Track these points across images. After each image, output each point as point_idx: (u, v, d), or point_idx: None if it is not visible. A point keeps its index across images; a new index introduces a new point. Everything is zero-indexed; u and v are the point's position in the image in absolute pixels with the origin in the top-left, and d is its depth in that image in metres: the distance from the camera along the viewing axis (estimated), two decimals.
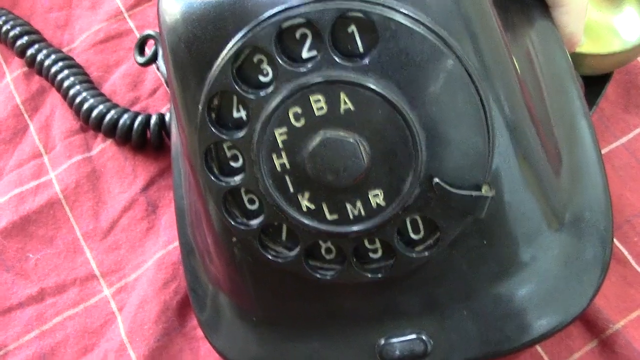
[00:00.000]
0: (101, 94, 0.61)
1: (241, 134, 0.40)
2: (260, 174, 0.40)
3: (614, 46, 0.54)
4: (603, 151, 0.56)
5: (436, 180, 0.39)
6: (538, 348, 0.51)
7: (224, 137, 0.40)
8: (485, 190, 0.39)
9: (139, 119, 0.58)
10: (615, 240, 0.54)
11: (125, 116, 0.58)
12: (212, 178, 0.41)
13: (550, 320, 0.44)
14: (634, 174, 0.56)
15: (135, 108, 0.62)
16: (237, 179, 0.41)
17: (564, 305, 0.44)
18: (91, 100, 0.59)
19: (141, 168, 0.60)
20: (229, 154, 0.41)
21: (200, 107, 0.40)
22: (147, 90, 0.63)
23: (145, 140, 0.59)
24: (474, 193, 0.39)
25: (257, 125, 0.39)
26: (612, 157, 0.57)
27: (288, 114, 0.38)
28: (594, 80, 0.56)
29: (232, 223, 0.42)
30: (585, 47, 0.52)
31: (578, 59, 0.52)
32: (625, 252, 0.54)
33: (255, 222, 0.42)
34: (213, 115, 0.40)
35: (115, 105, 0.60)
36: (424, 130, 0.38)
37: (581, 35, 0.49)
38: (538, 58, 0.46)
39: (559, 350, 0.51)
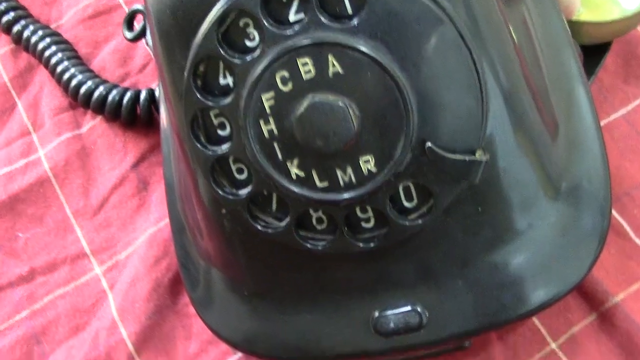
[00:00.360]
0: (90, 70, 0.60)
1: (228, 100, 0.39)
2: (247, 141, 0.39)
3: (612, 14, 0.53)
4: (602, 123, 0.55)
5: (428, 144, 0.37)
6: (536, 322, 0.50)
7: (210, 103, 0.39)
8: (479, 155, 0.38)
9: (128, 94, 0.57)
10: (614, 212, 0.52)
11: (114, 92, 0.57)
12: (199, 147, 0.40)
13: (548, 290, 0.43)
14: (634, 145, 0.55)
15: (125, 84, 0.61)
16: (225, 147, 0.40)
17: (562, 275, 0.43)
18: (79, 77, 0.58)
19: (131, 144, 0.59)
20: (216, 122, 0.40)
21: (185, 73, 0.39)
22: (136, 66, 0.62)
23: (135, 116, 0.58)
24: (468, 157, 0.38)
25: (243, 90, 0.38)
26: (611, 129, 0.56)
27: (275, 78, 0.37)
28: (593, 50, 0.54)
29: (221, 193, 0.41)
30: (584, 15, 0.51)
31: (576, 27, 0.51)
32: (625, 225, 0.52)
33: (244, 192, 0.40)
34: (199, 82, 0.39)
35: (104, 81, 0.58)
36: (415, 93, 0.37)
37: (578, 2, 0.48)
38: (534, 25, 0.45)
39: (557, 324, 0.50)
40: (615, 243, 0.52)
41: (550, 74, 0.44)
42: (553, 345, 0.49)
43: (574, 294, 0.50)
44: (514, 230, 0.42)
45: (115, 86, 0.58)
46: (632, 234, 0.52)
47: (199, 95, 0.39)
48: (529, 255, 0.42)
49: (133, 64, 0.62)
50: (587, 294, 0.50)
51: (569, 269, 0.43)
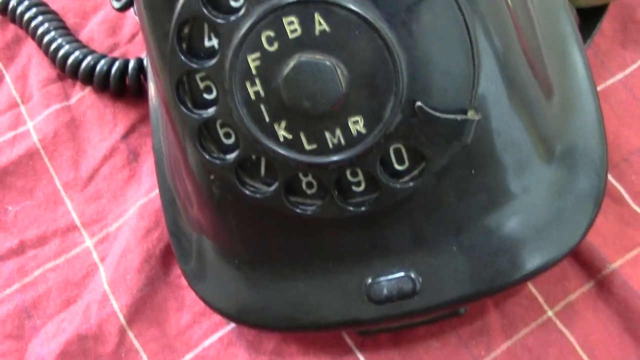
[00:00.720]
0: (77, 41, 0.58)
1: (213, 61, 0.38)
2: (234, 104, 0.38)
3: None
4: (599, 88, 0.54)
5: (418, 103, 0.36)
6: (533, 290, 0.49)
7: (195, 66, 0.38)
8: (470, 114, 0.37)
9: (117, 64, 0.56)
10: (612, 178, 0.51)
11: (103, 62, 0.56)
12: (185, 111, 0.39)
13: (544, 254, 0.42)
14: (631, 110, 0.54)
15: (114, 54, 0.59)
16: (211, 110, 0.39)
17: (558, 239, 0.42)
18: (67, 47, 0.57)
19: (121, 115, 0.58)
20: (201, 85, 0.39)
21: (169, 36, 0.38)
22: (125, 36, 0.60)
23: (124, 87, 0.57)
24: (459, 117, 0.37)
25: (228, 51, 0.37)
26: (608, 94, 0.54)
27: (261, 38, 0.36)
28: (589, 14, 0.53)
29: (208, 158, 0.40)
30: None
31: None
32: (622, 191, 0.51)
33: (231, 157, 0.40)
34: (184, 45, 0.38)
35: (92, 52, 0.57)
36: (405, 51, 0.36)
37: None
38: None
39: (554, 291, 0.49)
40: (613, 210, 0.51)
41: (545, 35, 0.43)
42: (550, 313, 0.48)
43: (570, 262, 0.49)
44: (509, 193, 0.41)
45: (103, 56, 0.57)
46: (629, 200, 0.51)
47: (183, 58, 0.38)
48: (523, 219, 0.41)
49: (122, 34, 0.61)
50: (584, 261, 0.49)
51: (565, 232, 0.42)
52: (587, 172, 0.42)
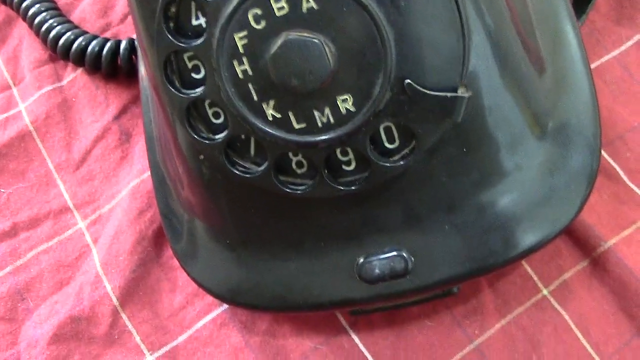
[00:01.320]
0: (69, 22, 0.57)
1: (200, 41, 0.37)
2: (221, 83, 0.37)
3: None
4: (594, 65, 0.53)
5: (408, 81, 0.36)
6: (527, 268, 0.48)
7: (182, 45, 0.37)
8: (461, 91, 0.36)
9: (108, 45, 0.55)
10: (606, 156, 0.51)
11: (94, 43, 0.55)
12: (173, 91, 0.39)
13: (537, 232, 0.41)
14: (627, 88, 0.53)
15: (107, 35, 0.58)
16: (199, 90, 0.38)
17: (551, 217, 0.41)
18: (58, 28, 0.56)
19: (113, 96, 0.57)
20: (189, 64, 0.39)
21: (156, 15, 0.37)
22: (117, 16, 0.59)
23: (116, 67, 0.56)
24: (449, 94, 0.36)
25: (215, 30, 0.36)
26: (603, 71, 0.53)
27: (247, 16, 0.36)
28: None
29: (197, 137, 0.39)
30: None
31: None
32: (617, 168, 0.51)
33: (220, 136, 0.39)
34: (171, 24, 0.38)
35: (83, 32, 0.56)
36: (393, 28, 0.35)
37: None
38: None
39: (549, 270, 0.48)
40: (608, 187, 0.50)
41: (537, 11, 0.42)
42: (544, 292, 0.48)
43: (565, 240, 0.49)
44: (501, 171, 0.40)
45: (95, 37, 0.56)
46: (624, 178, 0.50)
47: (170, 37, 0.37)
48: (516, 197, 0.40)
49: (114, 14, 0.60)
50: (578, 240, 0.48)
51: (558, 210, 0.41)
52: (580, 150, 0.41)
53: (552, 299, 0.48)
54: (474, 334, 0.47)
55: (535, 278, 0.48)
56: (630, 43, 0.54)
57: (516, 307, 0.48)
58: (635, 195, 0.50)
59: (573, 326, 0.47)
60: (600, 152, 0.42)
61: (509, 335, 0.47)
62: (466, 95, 0.36)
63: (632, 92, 0.52)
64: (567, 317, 0.47)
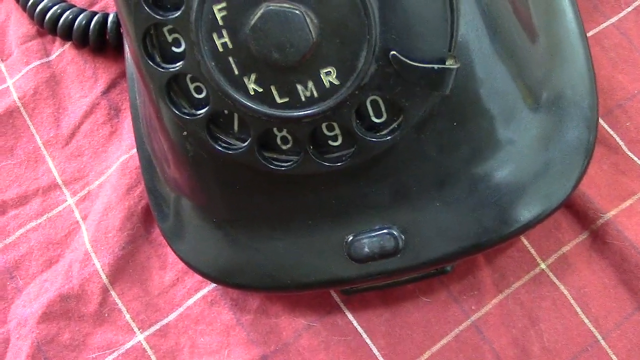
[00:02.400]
0: None
1: (178, 13, 0.35)
2: (201, 57, 0.35)
3: None
4: (592, 32, 0.51)
5: (393, 52, 0.34)
6: (525, 242, 0.47)
7: (160, 17, 0.36)
8: (449, 63, 0.34)
9: (96, 18, 0.53)
10: (605, 125, 0.49)
11: (81, 16, 0.53)
12: (152, 65, 0.37)
13: (532, 208, 0.39)
14: (626, 55, 0.51)
15: (94, 8, 0.56)
16: (179, 64, 0.36)
17: (547, 192, 0.39)
18: (45, 2, 0.54)
19: (102, 70, 0.55)
20: (170, 38, 0.37)
21: None
22: None
23: (104, 41, 0.54)
24: (437, 66, 0.34)
25: (193, 2, 0.34)
26: (601, 38, 0.51)
27: None
28: None
29: (178, 113, 0.37)
30: None
31: None
32: (617, 138, 0.49)
33: (202, 111, 0.37)
34: None
35: (70, 6, 0.54)
36: None
37: None
38: None
39: (547, 243, 0.47)
40: (607, 158, 0.48)
41: None
42: (542, 266, 0.47)
43: (564, 213, 0.47)
44: (493, 144, 0.38)
45: (82, 10, 0.54)
46: (624, 148, 0.48)
47: (148, 10, 0.36)
48: (510, 172, 0.39)
49: None
50: (577, 212, 0.47)
51: (554, 185, 0.39)
52: (577, 122, 0.39)
53: (550, 273, 0.46)
54: (470, 309, 0.46)
55: (533, 252, 0.47)
56: (629, 9, 0.52)
57: (514, 282, 0.46)
58: (635, 166, 0.48)
59: (572, 301, 0.46)
60: (598, 124, 0.40)
61: (506, 310, 0.46)
62: (455, 66, 0.34)
63: (632, 60, 0.51)
64: (566, 291, 0.46)
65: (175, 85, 0.37)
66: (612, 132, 0.49)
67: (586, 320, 0.45)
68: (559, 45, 0.40)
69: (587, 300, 0.45)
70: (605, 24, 0.52)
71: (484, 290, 0.46)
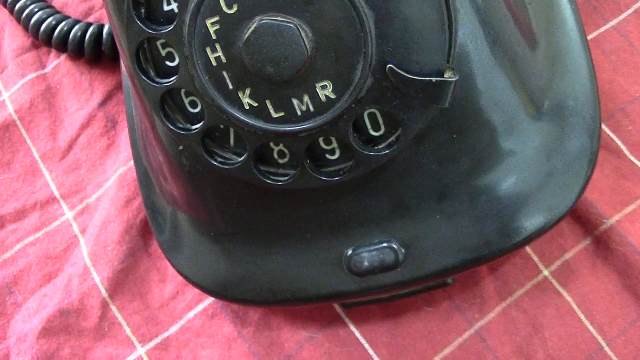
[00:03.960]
0: (50, 6, 0.55)
1: (170, 27, 0.34)
2: (195, 71, 0.35)
3: None
4: (592, 35, 0.50)
5: (390, 65, 0.33)
6: (527, 249, 0.46)
7: (152, 32, 0.35)
8: (448, 75, 0.33)
9: (91, 29, 0.52)
10: (607, 129, 0.48)
11: (76, 27, 0.52)
12: (146, 80, 0.36)
13: (535, 220, 0.38)
14: (627, 58, 0.50)
15: (89, 19, 0.56)
16: (173, 79, 0.36)
17: (549, 203, 0.39)
18: (39, 13, 0.53)
19: (98, 82, 0.54)
20: (163, 52, 0.36)
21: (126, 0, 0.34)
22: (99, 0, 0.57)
23: (100, 53, 0.53)
24: (435, 78, 0.33)
25: (186, 15, 0.34)
26: (602, 42, 0.50)
27: (219, 0, 0.33)
28: None
29: (173, 128, 0.36)
30: None
31: None
32: (619, 142, 0.48)
33: (197, 126, 0.36)
34: (142, 10, 0.35)
35: (65, 17, 0.53)
36: (371, 8, 0.32)
37: None
38: None
39: (549, 249, 0.46)
40: (609, 162, 0.47)
41: None
42: (545, 273, 0.46)
43: (566, 218, 0.46)
44: (494, 156, 0.37)
45: (77, 22, 0.53)
46: (626, 152, 0.48)
47: (140, 24, 0.35)
48: (512, 184, 0.38)
49: None
50: (580, 218, 0.46)
51: (557, 196, 0.39)
52: (579, 131, 0.39)
53: (553, 280, 0.46)
54: (473, 317, 0.45)
55: (536, 258, 0.46)
56: (629, 11, 0.51)
57: (517, 289, 0.46)
58: (637, 170, 0.47)
59: (576, 307, 0.45)
60: (600, 134, 0.39)
61: (509, 318, 0.45)
62: (453, 79, 0.33)
63: (633, 63, 0.50)
64: (569, 298, 0.45)
65: (169, 100, 0.37)
66: (613, 136, 0.48)
67: (590, 327, 0.45)
68: (560, 53, 0.39)
69: (591, 306, 0.45)
70: (605, 27, 0.51)
71: (487, 298, 0.45)
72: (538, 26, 0.38)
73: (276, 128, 0.35)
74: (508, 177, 0.38)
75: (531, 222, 0.38)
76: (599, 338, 0.44)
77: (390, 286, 0.39)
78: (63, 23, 0.53)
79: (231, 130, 0.37)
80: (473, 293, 0.46)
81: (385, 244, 0.38)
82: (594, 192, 0.46)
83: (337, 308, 0.46)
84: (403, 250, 0.38)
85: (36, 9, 0.54)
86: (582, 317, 0.45)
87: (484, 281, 0.46)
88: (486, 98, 0.36)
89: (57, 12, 0.54)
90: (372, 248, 0.38)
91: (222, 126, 0.36)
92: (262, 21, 0.32)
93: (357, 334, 0.46)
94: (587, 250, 0.46)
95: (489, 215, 0.38)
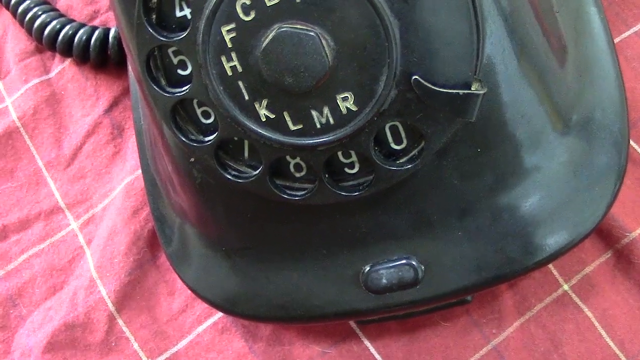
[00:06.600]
0: (55, 10, 0.54)
1: (183, 34, 0.33)
2: (209, 81, 0.33)
3: None
4: (614, 41, 0.49)
5: (415, 77, 0.32)
6: None
7: (163, 39, 0.34)
8: (475, 88, 0.32)
9: (96, 33, 0.51)
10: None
11: (81, 31, 0.51)
12: (156, 89, 0.35)
13: (559, 238, 0.38)
14: None
15: (95, 23, 0.55)
16: (185, 88, 0.34)
17: (575, 220, 0.38)
18: (43, 16, 0.52)
19: (104, 88, 0.53)
20: (175, 60, 0.35)
21: (136, 6, 0.33)
22: (105, 3, 0.55)
23: (105, 57, 0.52)
24: (462, 91, 0.32)
25: (200, 22, 0.32)
26: (624, 48, 0.50)
27: (235, 6, 0.32)
28: None
29: (184, 140, 0.35)
30: None
31: None
32: None
33: (210, 138, 0.35)
34: (153, 16, 0.34)
35: (70, 21, 0.52)
36: (397, 17, 0.31)
37: None
38: None
39: (570, 263, 0.45)
40: (632, 173, 0.47)
41: None
42: (565, 287, 0.45)
43: None
44: (519, 172, 0.36)
45: (82, 25, 0.52)
46: None
47: (151, 31, 0.34)
48: (536, 200, 0.37)
49: (102, 0, 0.56)
50: (601, 231, 0.45)
51: (583, 213, 0.38)
52: (607, 146, 0.38)
53: (573, 295, 0.45)
54: (491, 333, 0.45)
55: (555, 273, 0.45)
56: None
57: (536, 304, 0.45)
58: None
59: (596, 323, 0.44)
60: (628, 149, 0.38)
61: (528, 334, 0.44)
62: (481, 92, 0.32)
63: None
64: (589, 313, 0.44)
65: (181, 110, 0.36)
66: (636, 147, 0.47)
67: (611, 344, 0.44)
68: (588, 62, 0.38)
69: (611, 322, 0.44)
70: (627, 33, 0.50)
71: (505, 313, 0.45)
72: (567, 36, 0.37)
73: (294, 141, 0.34)
74: (533, 194, 0.37)
75: (555, 239, 0.37)
76: (620, 355, 0.44)
77: (409, 304, 0.38)
78: (68, 27, 0.52)
79: (246, 142, 0.36)
80: (491, 308, 0.45)
81: (404, 261, 0.37)
82: (616, 204, 0.44)
83: (352, 323, 0.45)
84: (422, 268, 0.37)
85: (40, 12, 0.53)
86: (603, 333, 0.44)
87: (503, 296, 0.45)
88: (511, 111, 0.35)
89: (62, 16, 0.53)
90: (391, 265, 0.37)
91: (236, 138, 0.35)
92: (281, 29, 0.31)
93: (372, 349, 0.45)
94: (608, 264, 0.45)
95: (511, 233, 0.37)
